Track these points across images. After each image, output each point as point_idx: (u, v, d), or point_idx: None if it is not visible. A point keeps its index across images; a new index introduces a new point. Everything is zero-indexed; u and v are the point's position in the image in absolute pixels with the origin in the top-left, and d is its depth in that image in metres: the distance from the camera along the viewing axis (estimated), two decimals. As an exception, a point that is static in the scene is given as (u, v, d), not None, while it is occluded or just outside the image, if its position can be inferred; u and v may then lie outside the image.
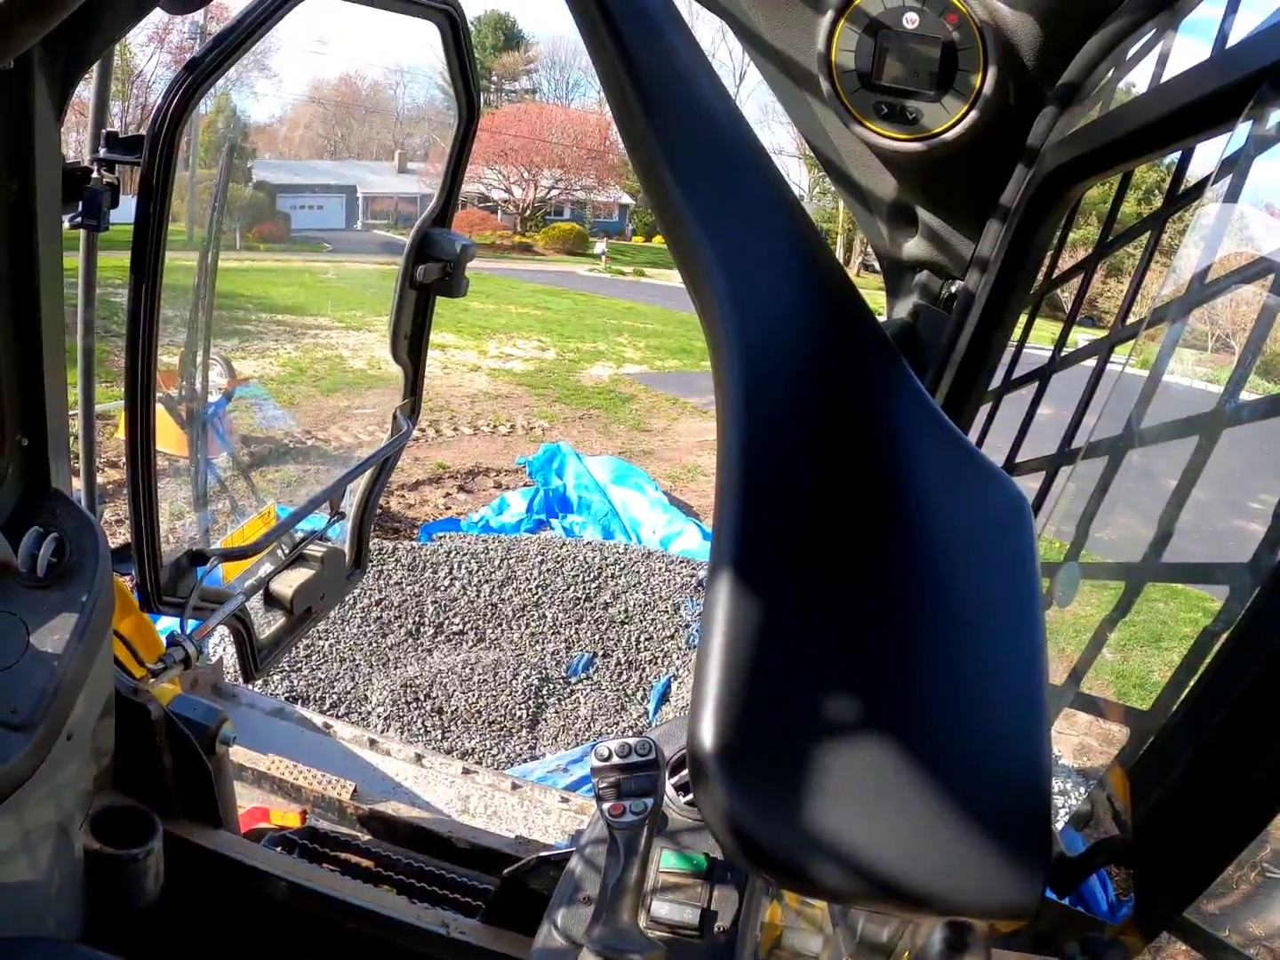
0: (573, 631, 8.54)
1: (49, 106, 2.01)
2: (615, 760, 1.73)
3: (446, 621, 8.65)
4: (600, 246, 51.10)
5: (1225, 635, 1.02)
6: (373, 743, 5.17)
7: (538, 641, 8.47)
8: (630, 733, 6.96)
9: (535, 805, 4.97)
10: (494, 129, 52.07)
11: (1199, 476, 1.12)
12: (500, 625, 8.55)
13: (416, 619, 8.56)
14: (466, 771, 5.10)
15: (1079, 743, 7.09)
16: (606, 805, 1.71)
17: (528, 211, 56.00)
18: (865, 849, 0.97)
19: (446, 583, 9.07)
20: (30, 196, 2.04)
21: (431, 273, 3.06)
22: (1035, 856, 0.97)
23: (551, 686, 7.95)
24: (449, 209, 3.11)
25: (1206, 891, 1.02)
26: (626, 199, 59.44)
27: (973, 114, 1.59)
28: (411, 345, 3.26)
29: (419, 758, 5.13)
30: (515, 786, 5.08)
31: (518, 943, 2.77)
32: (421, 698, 7.60)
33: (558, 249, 53.16)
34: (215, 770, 2.95)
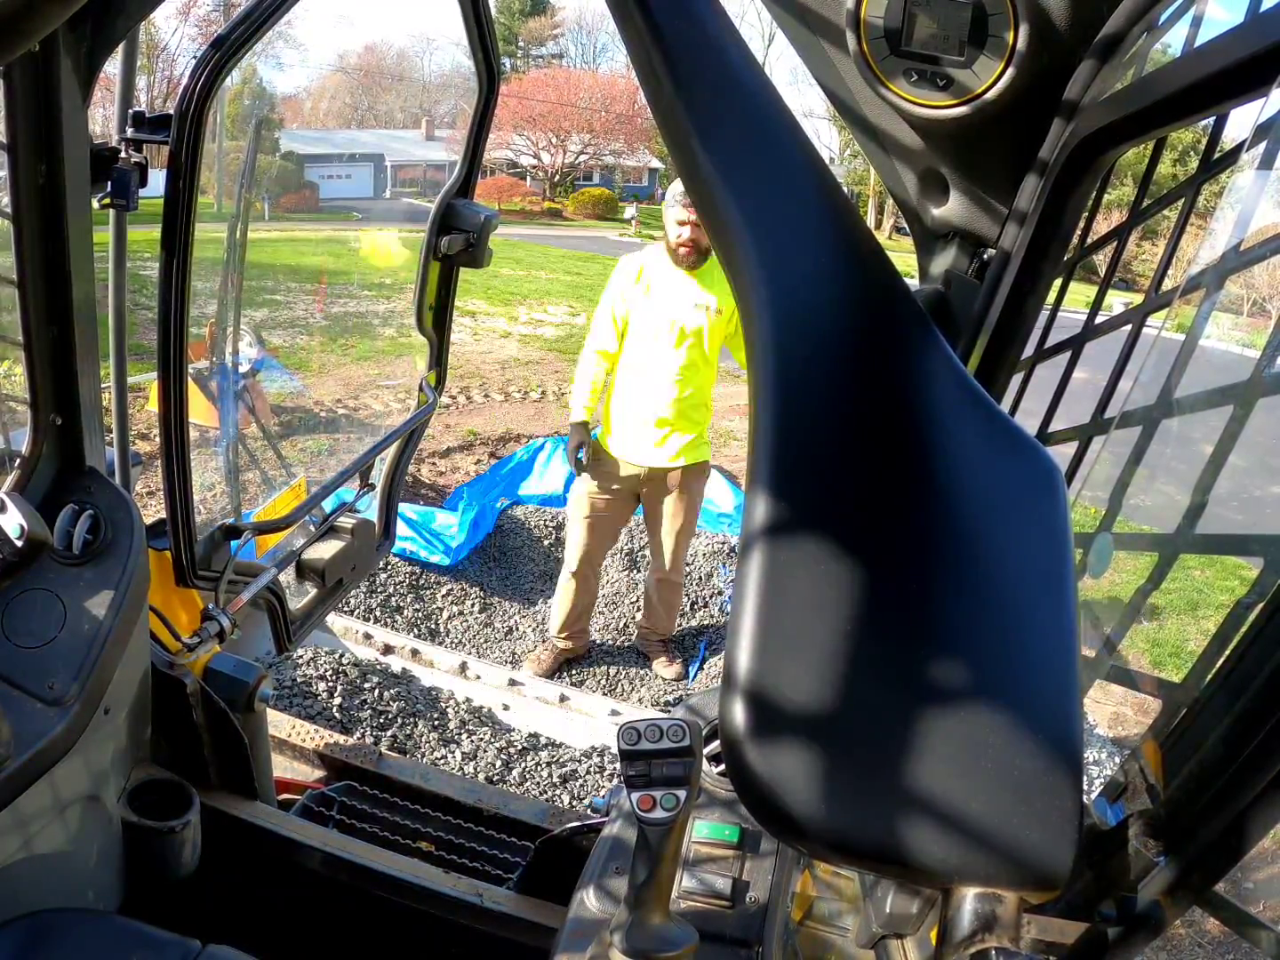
0: (602, 599, 8.42)
1: (75, 88, 2.02)
2: (645, 745, 1.54)
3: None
4: (630, 211, 50.82)
5: (1259, 607, 1.01)
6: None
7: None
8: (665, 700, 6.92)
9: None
10: (521, 94, 51.88)
11: (1233, 446, 1.11)
12: (520, 593, 8.46)
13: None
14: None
15: (1114, 712, 7.06)
16: (635, 796, 1.53)
17: (557, 177, 55.83)
18: (895, 821, 0.97)
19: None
20: (59, 178, 2.06)
21: (455, 244, 3.07)
22: (1066, 829, 0.97)
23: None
24: (471, 180, 3.11)
25: (1237, 866, 1.02)
26: (656, 163, 59.07)
27: (1010, 71, 1.55)
28: (436, 316, 3.27)
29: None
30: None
31: (551, 912, 2.80)
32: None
33: (587, 214, 52.97)
34: (253, 728, 3.00)
